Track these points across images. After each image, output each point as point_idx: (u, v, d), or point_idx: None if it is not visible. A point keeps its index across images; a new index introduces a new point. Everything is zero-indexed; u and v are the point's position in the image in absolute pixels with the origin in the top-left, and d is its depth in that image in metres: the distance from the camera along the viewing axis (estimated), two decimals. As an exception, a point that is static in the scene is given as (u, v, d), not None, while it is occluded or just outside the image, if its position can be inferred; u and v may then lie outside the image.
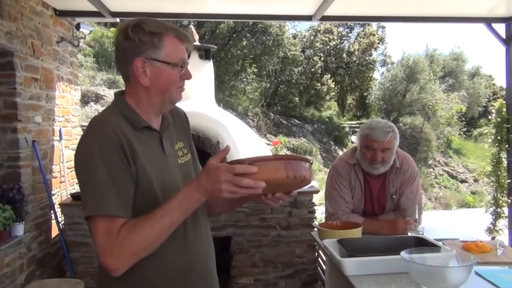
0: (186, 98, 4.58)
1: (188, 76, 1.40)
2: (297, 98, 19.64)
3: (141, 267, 1.29)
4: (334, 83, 21.29)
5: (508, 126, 5.02)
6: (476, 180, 20.60)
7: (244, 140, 4.46)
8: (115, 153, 1.26)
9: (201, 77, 5.11)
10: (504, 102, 5.20)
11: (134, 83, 1.36)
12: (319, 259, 4.17)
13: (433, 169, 21.41)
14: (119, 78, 13.23)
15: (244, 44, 17.78)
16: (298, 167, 1.25)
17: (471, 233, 2.68)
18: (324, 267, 3.97)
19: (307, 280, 4.03)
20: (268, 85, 19.69)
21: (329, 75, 21.21)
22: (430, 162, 21.54)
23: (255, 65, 18.61)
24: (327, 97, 21.97)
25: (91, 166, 1.25)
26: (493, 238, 5.19)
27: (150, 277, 1.34)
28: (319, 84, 20.57)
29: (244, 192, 1.17)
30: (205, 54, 5.17)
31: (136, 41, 1.31)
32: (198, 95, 4.85)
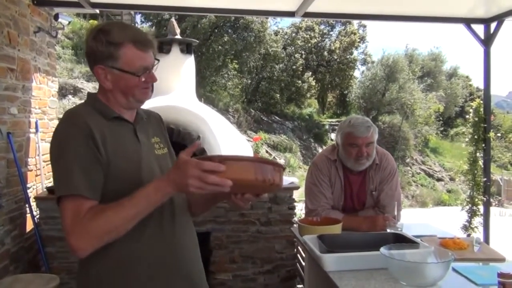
0: (167, 92, 4.55)
1: (153, 80, 1.45)
2: (278, 95, 19.70)
3: (117, 253, 1.35)
4: (315, 80, 21.44)
5: (485, 125, 5.11)
6: (452, 179, 21.01)
7: (225, 136, 4.43)
8: (84, 140, 1.32)
9: (182, 71, 5.06)
10: (481, 102, 5.30)
11: (101, 85, 1.45)
12: (298, 255, 4.18)
13: (411, 167, 21.74)
14: (98, 71, 13.05)
15: (225, 39, 17.73)
16: (268, 171, 1.27)
17: (447, 231, 2.71)
18: (303, 263, 3.98)
19: (286, 276, 4.04)
20: (249, 81, 19.70)
21: (310, 73, 21.33)
22: (407, 160, 21.87)
23: (237, 61, 18.58)
24: (308, 95, 22.10)
25: (62, 152, 1.32)
26: (468, 235, 5.29)
27: (128, 262, 1.38)
28: (300, 82, 20.67)
29: (210, 188, 1.18)
30: (186, 48, 5.12)
31: (95, 50, 1.39)
32: (179, 89, 4.81)
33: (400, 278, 1.74)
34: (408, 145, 22.05)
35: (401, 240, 2.07)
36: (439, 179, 22.15)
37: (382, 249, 1.80)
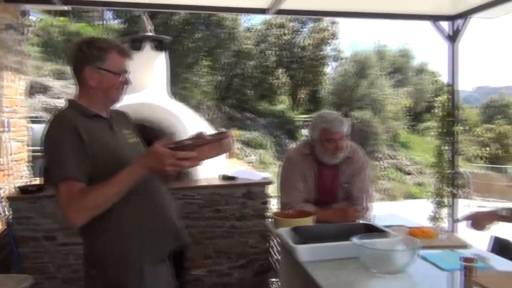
0: (139, 89, 4.53)
1: (128, 83, 1.82)
2: (251, 92, 19.71)
3: (115, 223, 1.69)
4: (287, 77, 21.52)
5: (452, 119, 5.29)
6: (421, 172, 21.50)
7: (196, 130, 4.45)
8: (73, 135, 1.64)
9: (155, 68, 5.05)
10: (448, 97, 5.47)
11: (85, 85, 1.77)
12: (271, 249, 4.24)
13: (381, 162, 22.13)
14: (67, 69, 12.78)
15: (198, 36, 17.63)
16: (226, 143, 1.69)
17: (416, 221, 2.81)
18: (276, 256, 4.05)
19: (259, 270, 4.09)
20: (222, 78, 19.62)
21: (282, 69, 21.41)
22: (378, 155, 22.23)
23: (209, 58, 18.49)
24: (280, 91, 22.18)
25: (56, 147, 1.64)
26: (435, 225, 5.46)
27: (126, 228, 1.72)
28: (272, 78, 20.74)
29: (185, 169, 1.68)
30: (159, 45, 5.10)
31: (87, 54, 1.74)
32: (152, 86, 4.79)
33: (371, 266, 1.81)
34: (378, 140, 22.42)
35: (372, 230, 2.14)
36: (408, 173, 22.61)
37: (354, 239, 1.87)
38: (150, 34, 5.11)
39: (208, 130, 5.40)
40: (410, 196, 18.97)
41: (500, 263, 1.94)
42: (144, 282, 1.73)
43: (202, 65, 18.34)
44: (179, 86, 16.14)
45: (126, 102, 4.16)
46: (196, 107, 15.89)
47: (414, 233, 2.28)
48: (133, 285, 1.73)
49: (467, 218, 2.22)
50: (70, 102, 1.81)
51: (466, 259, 1.56)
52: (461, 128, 5.54)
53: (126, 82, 1.81)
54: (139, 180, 1.61)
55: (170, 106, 4.29)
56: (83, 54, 1.74)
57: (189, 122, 4.33)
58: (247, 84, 19.75)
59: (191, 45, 17.36)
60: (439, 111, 5.55)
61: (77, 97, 1.80)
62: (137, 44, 4.94)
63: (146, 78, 4.72)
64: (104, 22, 19.75)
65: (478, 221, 2.13)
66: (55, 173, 1.62)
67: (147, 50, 4.93)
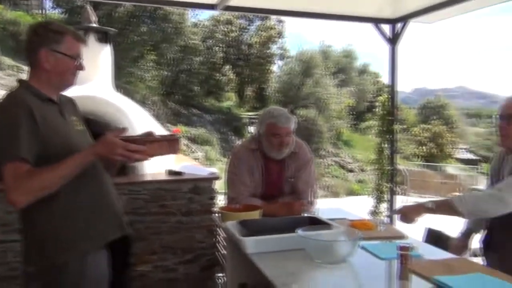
0: (84, 81, 4.39)
1: (82, 68, 1.85)
2: (197, 88, 19.60)
3: (60, 204, 1.70)
4: (233, 74, 21.57)
5: (391, 118, 5.54)
6: (362, 170, 22.26)
7: (144, 128, 4.39)
8: (26, 116, 1.63)
9: (99, 61, 4.91)
10: (388, 97, 5.73)
11: (39, 68, 1.75)
12: (218, 244, 4.26)
13: (325, 159, 22.70)
14: (2, 59, 12.15)
15: (143, 30, 17.29)
16: (175, 144, 1.82)
17: (357, 215, 2.93)
18: (223, 251, 4.07)
19: (206, 265, 4.10)
20: (168, 73, 19.36)
21: (229, 66, 21.43)
22: (322, 153, 22.80)
23: (155, 53, 18.19)
24: (227, 88, 22.20)
25: (6, 126, 1.63)
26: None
27: (71, 210, 1.74)
28: (219, 75, 20.72)
29: (132, 161, 1.89)
30: (103, 37, 4.96)
31: (43, 36, 1.73)
32: (96, 79, 4.66)
33: (315, 257, 1.89)
34: (322, 138, 23.00)
35: (316, 223, 2.23)
36: (350, 170, 23.36)
37: (299, 231, 1.94)
38: (94, 25, 4.97)
39: (154, 125, 5.34)
40: (352, 192, 19.62)
41: (433, 252, 2.09)
42: (84, 268, 1.75)
43: (147, 60, 18.02)
44: (123, 80, 15.77)
45: (69, 94, 4.05)
46: (141, 102, 15.60)
47: (355, 225, 2.39)
48: (74, 271, 1.72)
49: (397, 212, 2.34)
50: (22, 83, 1.79)
51: (402, 248, 1.66)
52: (400, 127, 5.81)
53: (80, 67, 1.84)
54: (86, 165, 1.66)
55: (115, 99, 4.20)
56: (39, 37, 1.74)
57: (135, 117, 4.26)
58: (193, 80, 19.62)
59: (136, 38, 17.01)
60: (379, 110, 5.80)
61: (29, 80, 1.79)
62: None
63: (90, 70, 4.54)
64: (43, 11, 18.91)
65: (407, 214, 2.25)
66: (4, 152, 1.62)
67: (91, 42, 4.78)
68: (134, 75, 17.60)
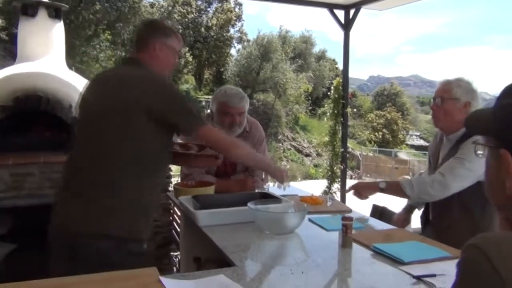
0: (33, 58, 4.28)
1: (177, 64, 2.15)
2: (154, 69, 19.24)
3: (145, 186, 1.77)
4: (192, 56, 21.34)
5: (343, 102, 5.70)
6: (318, 154, 22.72)
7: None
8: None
9: (50, 37, 4.76)
10: (341, 80, 5.89)
11: (151, 55, 1.87)
12: (174, 222, 4.30)
13: (282, 143, 22.99)
14: None
15: (97, 8, 16.76)
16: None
17: (308, 192, 3.05)
18: (178, 229, 4.12)
19: (161, 243, 4.14)
20: (123, 53, 18.91)
21: (187, 49, 21.17)
22: (279, 137, 23.07)
23: (109, 32, 17.69)
24: (185, 71, 21.95)
25: (185, 99, 1.97)
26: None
27: (147, 197, 1.80)
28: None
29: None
30: (55, 13, 4.81)
31: (159, 29, 1.92)
32: (47, 56, 4.53)
33: (264, 228, 1.97)
34: (280, 123, 23.25)
35: (267, 198, 2.31)
36: (307, 155, 23.80)
37: (249, 204, 2.01)
38: (45, 0, 4.81)
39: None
40: (308, 176, 20.01)
41: (376, 225, 2.23)
42: (136, 256, 1.72)
43: (101, 39, 17.51)
44: (76, 59, 15.28)
45: (17, 70, 3.93)
46: (96, 83, 15.16)
47: (305, 200, 2.49)
48: (124, 249, 1.69)
49: (352, 187, 2.46)
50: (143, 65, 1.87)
51: (345, 218, 1.77)
52: (351, 111, 5.99)
53: (176, 64, 2.07)
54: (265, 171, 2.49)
55: (68, 77, 4.11)
56: (155, 29, 1.92)
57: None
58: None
59: (90, 16, 16.48)
60: (332, 94, 5.96)
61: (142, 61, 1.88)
62: (30, 10, 4.62)
63: (41, 47, 4.45)
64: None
65: (360, 190, 2.38)
66: (200, 116, 1.86)
67: (42, 18, 4.62)
68: (88, 54, 17.08)
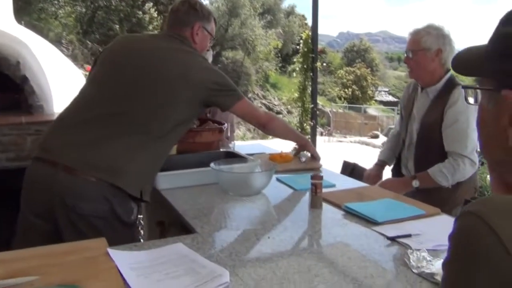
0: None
1: (208, 48, 2.01)
2: (117, 26, 18.47)
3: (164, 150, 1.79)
4: (156, 12, 20.52)
5: (313, 56, 5.52)
6: (289, 112, 22.67)
7: (52, 63, 4.02)
8: None
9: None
10: (310, 33, 5.67)
11: (188, 39, 1.86)
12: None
13: (252, 101, 22.79)
14: None
15: (53, -40, 15.75)
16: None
17: (277, 149, 2.91)
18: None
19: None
20: (84, 10, 17.99)
21: (151, 4, 20.32)
22: (250, 95, 22.83)
23: (68, -14, 16.75)
24: (150, 27, 21.15)
25: (224, 76, 1.84)
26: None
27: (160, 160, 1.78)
28: (140, 13, 19.61)
29: None
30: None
31: (200, 12, 1.87)
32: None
33: (228, 189, 1.84)
34: (250, 81, 22.94)
35: (232, 157, 2.17)
36: (278, 112, 23.70)
37: (212, 164, 1.86)
38: None
39: (68, 64, 4.92)
40: (279, 134, 19.96)
41: (347, 182, 2.12)
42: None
43: (60, -6, 16.58)
44: (33, 16, 14.44)
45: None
46: (56, 42, 14.47)
47: (274, 158, 2.36)
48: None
49: (382, 184, 2.26)
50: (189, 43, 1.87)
51: (314, 177, 1.65)
52: (320, 64, 5.82)
53: (208, 48, 2.01)
54: (302, 144, 2.33)
55: (15, 31, 3.77)
56: (196, 11, 1.87)
57: (42, 53, 3.87)
58: (112, 17, 18.42)
59: (46, -31, 15.50)
60: (301, 48, 5.76)
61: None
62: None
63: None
64: None
65: (391, 188, 2.06)
66: (237, 93, 1.84)
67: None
68: (46, 11, 16.14)
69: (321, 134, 21.26)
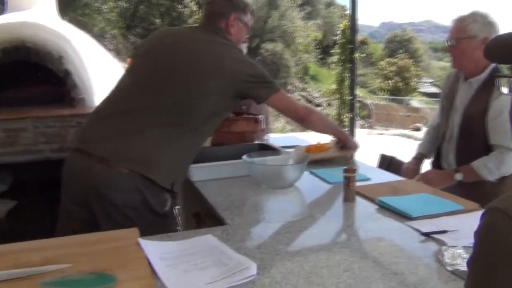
0: (24, 7, 4.06)
1: (244, 40, 2.00)
2: (159, 20, 18.77)
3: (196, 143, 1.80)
4: (197, 6, 20.71)
5: (351, 46, 5.39)
6: (329, 104, 22.41)
7: (94, 58, 4.13)
8: None
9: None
10: (348, 23, 5.55)
11: (223, 30, 1.83)
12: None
13: (292, 94, 22.66)
14: None
15: (97, -43, 16.16)
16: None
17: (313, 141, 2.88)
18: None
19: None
20: (127, 5, 18.38)
21: (191, -3, 20.55)
22: (289, 87, 22.71)
23: (111, -18, 17.15)
24: (190, 20, 21.38)
25: (257, 67, 1.82)
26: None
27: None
28: (180, 6, 19.84)
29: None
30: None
31: (236, 3, 1.86)
32: (38, 5, 4.30)
33: (261, 182, 1.83)
34: (289, 73, 22.80)
35: (267, 150, 2.16)
36: (317, 105, 23.47)
37: (244, 157, 1.86)
38: None
39: (110, 59, 5.05)
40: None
41: (383, 176, 2.06)
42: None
43: (104, -10, 17.00)
44: (78, 12, 14.88)
45: (6, 20, 3.73)
46: (99, 36, 14.87)
47: (310, 149, 2.30)
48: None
49: (422, 176, 2.17)
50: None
51: (347, 170, 1.61)
52: (359, 55, 5.69)
53: (244, 40, 2.00)
54: (340, 138, 2.22)
55: (59, 27, 3.90)
56: (232, 3, 1.86)
57: (83, 47, 3.99)
58: (154, 12, 18.73)
59: (91, -34, 15.91)
60: (339, 39, 5.63)
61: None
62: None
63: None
64: None
65: (433, 181, 2.04)
66: (273, 86, 1.80)
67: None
68: (90, 6, 16.60)
69: (362, 127, 20.93)
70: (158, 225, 1.60)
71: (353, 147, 2.20)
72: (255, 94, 1.79)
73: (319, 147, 2.36)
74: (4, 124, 3.18)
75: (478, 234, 0.52)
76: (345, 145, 2.21)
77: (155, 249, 1.20)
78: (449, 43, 2.12)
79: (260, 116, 2.45)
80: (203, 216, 2.31)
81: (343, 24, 5.62)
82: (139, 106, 1.67)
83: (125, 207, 1.57)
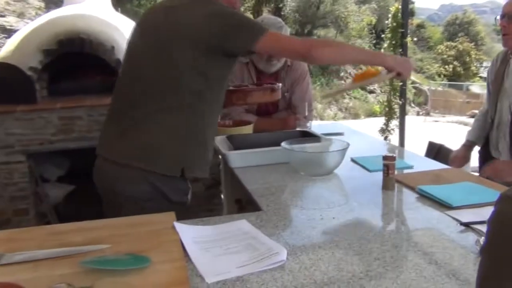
0: (78, 0, 4.21)
1: (240, 5, 1.81)
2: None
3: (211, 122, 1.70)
4: (248, -7, 20.72)
5: (403, 30, 5.21)
6: (383, 91, 21.83)
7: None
8: None
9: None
10: (399, 7, 5.35)
11: None
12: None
13: (345, 80, 22.24)
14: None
15: None
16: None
17: (356, 130, 2.83)
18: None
19: (210, 183, 4.12)
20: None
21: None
22: (342, 74, 22.30)
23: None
24: (243, 8, 21.42)
25: (235, 14, 1.57)
26: (385, 138, 5.59)
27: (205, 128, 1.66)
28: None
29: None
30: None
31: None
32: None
33: (299, 169, 1.83)
34: (342, 59, 22.33)
35: (308, 137, 2.15)
36: (371, 92, 22.92)
37: (283, 144, 1.86)
38: None
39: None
40: (372, 114, 19.39)
41: (428, 164, 2.00)
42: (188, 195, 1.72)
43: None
44: (134, 3, 15.28)
45: (60, 13, 3.90)
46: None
47: (358, 77, 1.89)
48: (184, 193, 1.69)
49: (490, 168, 2.04)
50: None
51: (386, 158, 1.58)
52: (411, 39, 5.47)
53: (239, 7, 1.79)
54: (377, 64, 1.71)
55: (110, 18, 4.03)
56: None
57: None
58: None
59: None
60: (390, 23, 5.44)
61: None
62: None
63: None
64: None
65: (501, 172, 1.96)
66: (256, 28, 1.52)
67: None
68: (145, -3, 17.03)
69: (418, 114, 20.22)
70: (178, 213, 1.48)
71: (405, 70, 1.67)
72: (237, 45, 1.52)
73: (367, 72, 1.88)
74: (61, 112, 3.35)
75: (491, 222, 0.51)
76: (393, 70, 1.66)
77: (189, 232, 1.23)
78: (501, 20, 2.00)
79: (277, 85, 2.24)
80: (244, 203, 2.34)
81: (394, 7, 5.41)
82: (129, 99, 1.62)
83: (142, 201, 1.55)
